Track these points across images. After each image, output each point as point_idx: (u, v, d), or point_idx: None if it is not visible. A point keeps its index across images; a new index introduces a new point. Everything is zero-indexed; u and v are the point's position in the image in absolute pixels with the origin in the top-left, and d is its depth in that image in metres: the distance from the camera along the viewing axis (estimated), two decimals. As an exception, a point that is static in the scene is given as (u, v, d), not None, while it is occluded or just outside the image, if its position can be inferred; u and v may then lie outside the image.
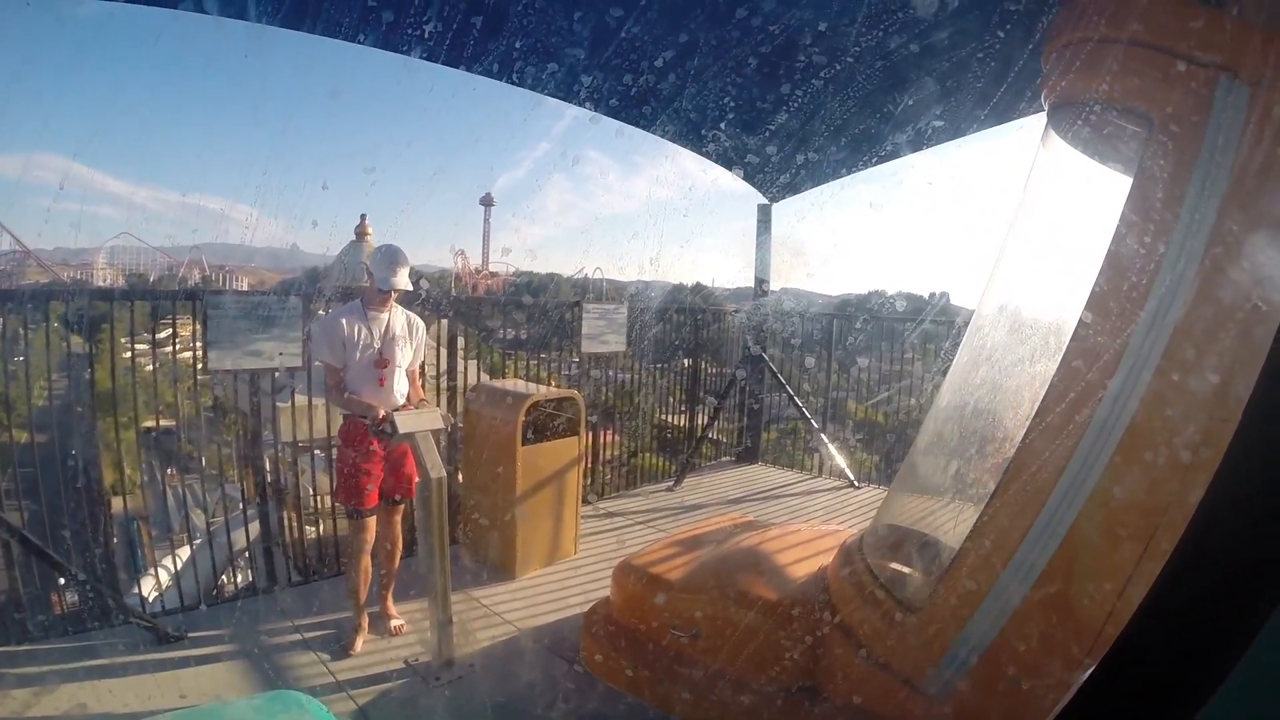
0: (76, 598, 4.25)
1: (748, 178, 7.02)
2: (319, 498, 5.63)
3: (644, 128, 5.68)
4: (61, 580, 4.11)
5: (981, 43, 4.05)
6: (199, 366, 4.58)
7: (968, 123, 5.09)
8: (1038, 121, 2.92)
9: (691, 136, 5.93)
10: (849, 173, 6.47)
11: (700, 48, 4.72)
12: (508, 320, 6.89)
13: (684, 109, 5.41)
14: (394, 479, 3.93)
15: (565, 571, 4.92)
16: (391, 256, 3.80)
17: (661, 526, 5.72)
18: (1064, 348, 2.30)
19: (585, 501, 6.00)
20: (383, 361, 3.85)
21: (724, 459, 8.00)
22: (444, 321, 5.42)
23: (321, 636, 4.06)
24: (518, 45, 4.60)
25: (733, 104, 5.41)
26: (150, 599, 6.79)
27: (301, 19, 4.23)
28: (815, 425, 7.37)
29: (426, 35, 4.35)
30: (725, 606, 3.08)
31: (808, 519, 6.05)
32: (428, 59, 4.67)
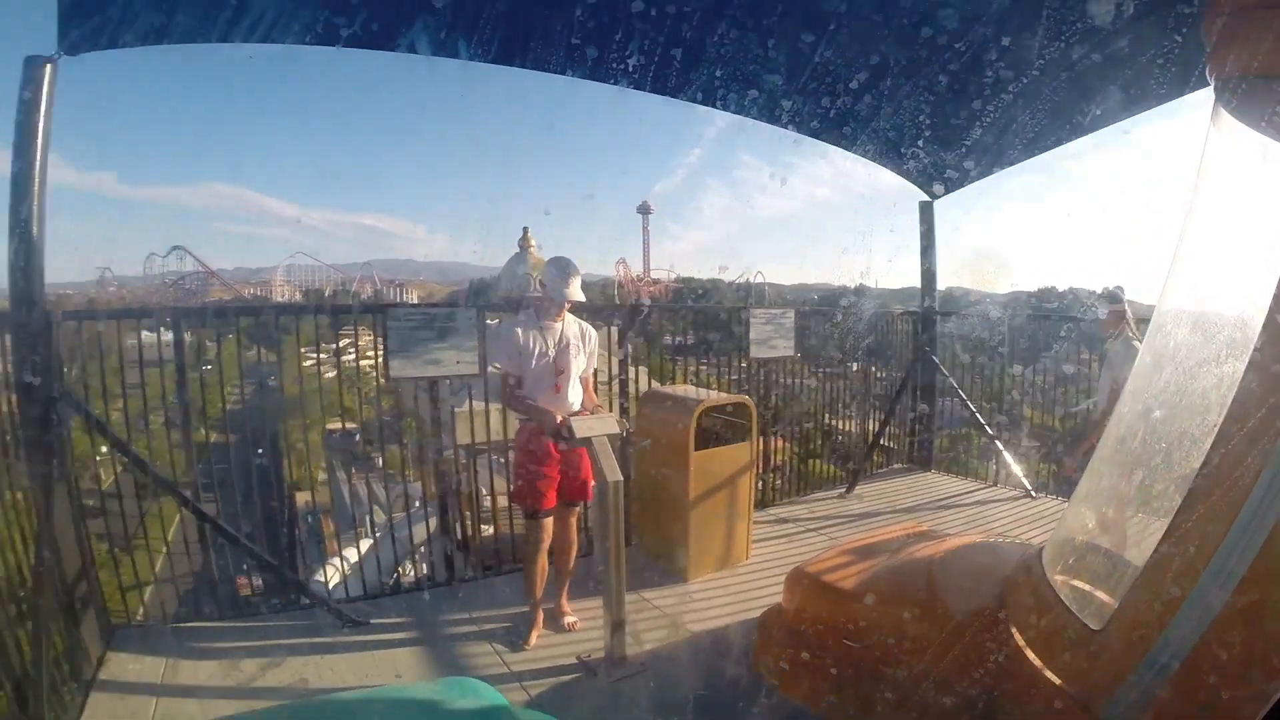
0: (260, 581, 4.57)
1: (907, 174, 6.73)
2: (493, 497, 5.83)
3: (799, 129, 5.57)
4: (245, 565, 4.45)
5: (1139, 18, 3.78)
6: (376, 373, 4.85)
7: (1132, 106, 4.78)
8: (1205, 99, 2.61)
9: (848, 136, 5.76)
10: (1011, 164, 6.14)
11: (848, 44, 4.57)
12: (673, 326, 6.92)
13: (841, 109, 5.26)
14: (570, 482, 4.00)
15: (737, 576, 4.84)
16: (565, 268, 3.88)
17: (833, 534, 5.56)
18: (1252, 344, 2.03)
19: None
20: (558, 369, 3.93)
21: (896, 466, 7.72)
22: (612, 328, 5.51)
23: (497, 629, 4.17)
24: (678, 53, 4.62)
25: (890, 100, 5.21)
26: (331, 586, 7.30)
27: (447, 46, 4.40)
28: (990, 431, 6.98)
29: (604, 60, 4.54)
30: (898, 617, 2.94)
31: (983, 529, 5.81)
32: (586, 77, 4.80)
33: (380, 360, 4.70)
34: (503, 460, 5.60)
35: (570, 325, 4.02)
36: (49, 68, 3.42)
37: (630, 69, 4.64)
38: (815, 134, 5.76)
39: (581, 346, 4.05)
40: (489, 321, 4.73)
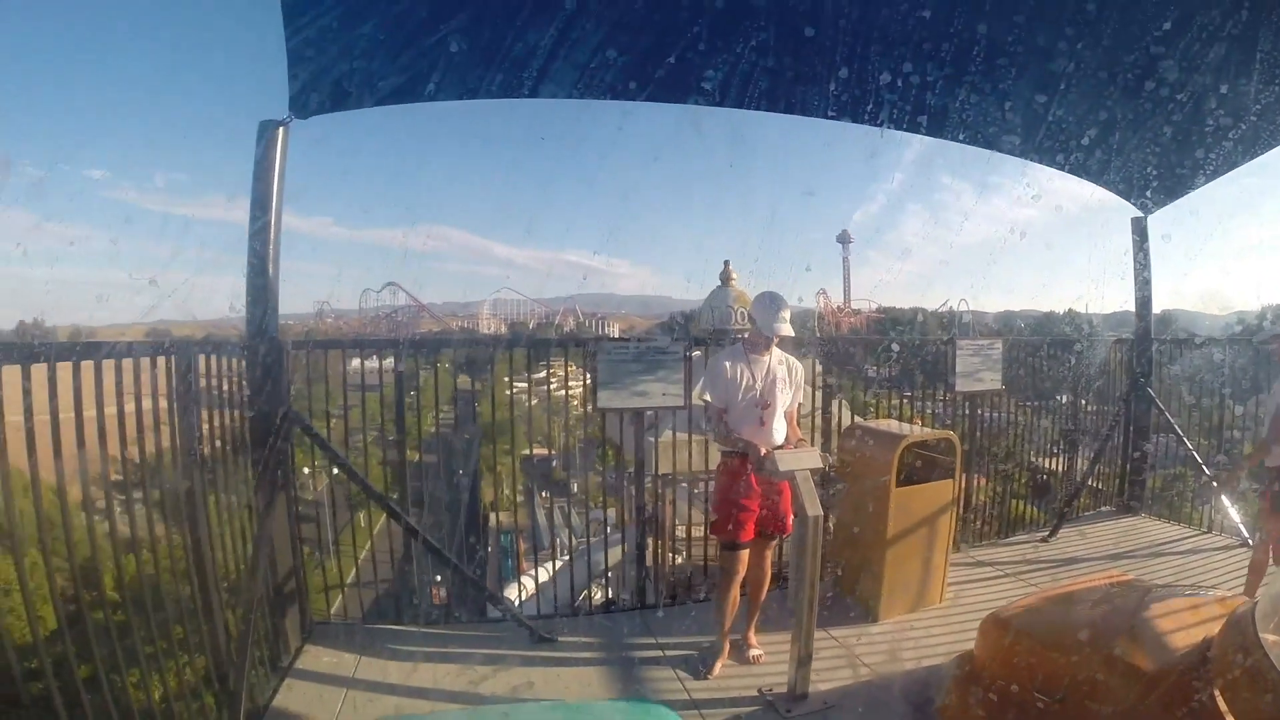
0: (453, 592, 4.90)
1: (1116, 189, 6.18)
2: (684, 527, 5.94)
3: (998, 148, 5.29)
4: (439, 576, 4.80)
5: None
6: (573, 402, 5.11)
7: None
8: None
9: (1051, 151, 5.39)
10: (1230, 169, 5.46)
11: (1047, 55, 4.31)
12: (874, 359, 6.76)
13: (1043, 122, 4.95)
14: (770, 515, 3.98)
15: (929, 619, 4.63)
16: (774, 303, 3.92)
17: (1033, 580, 5.20)
18: None
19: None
20: (764, 403, 3.96)
21: (1103, 509, 7.05)
22: (814, 361, 5.49)
23: (681, 656, 4.19)
24: (861, 84, 4.59)
25: (1093, 110, 4.84)
26: (520, 602, 7.69)
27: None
28: (1207, 473, 6.20)
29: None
30: (1095, 671, 2.73)
31: (1194, 581, 5.25)
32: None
33: (581, 390, 4.93)
34: (697, 490, 5.70)
35: (777, 359, 4.05)
36: (281, 130, 3.95)
37: (831, 99, 4.73)
38: (1017, 151, 5.45)
39: (788, 380, 4.07)
40: (694, 354, 4.86)
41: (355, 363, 5.16)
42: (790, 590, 3.72)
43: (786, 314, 3.91)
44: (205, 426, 3.50)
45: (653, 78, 4.50)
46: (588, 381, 4.98)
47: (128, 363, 2.87)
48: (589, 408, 5.01)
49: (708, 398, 4.01)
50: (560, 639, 4.37)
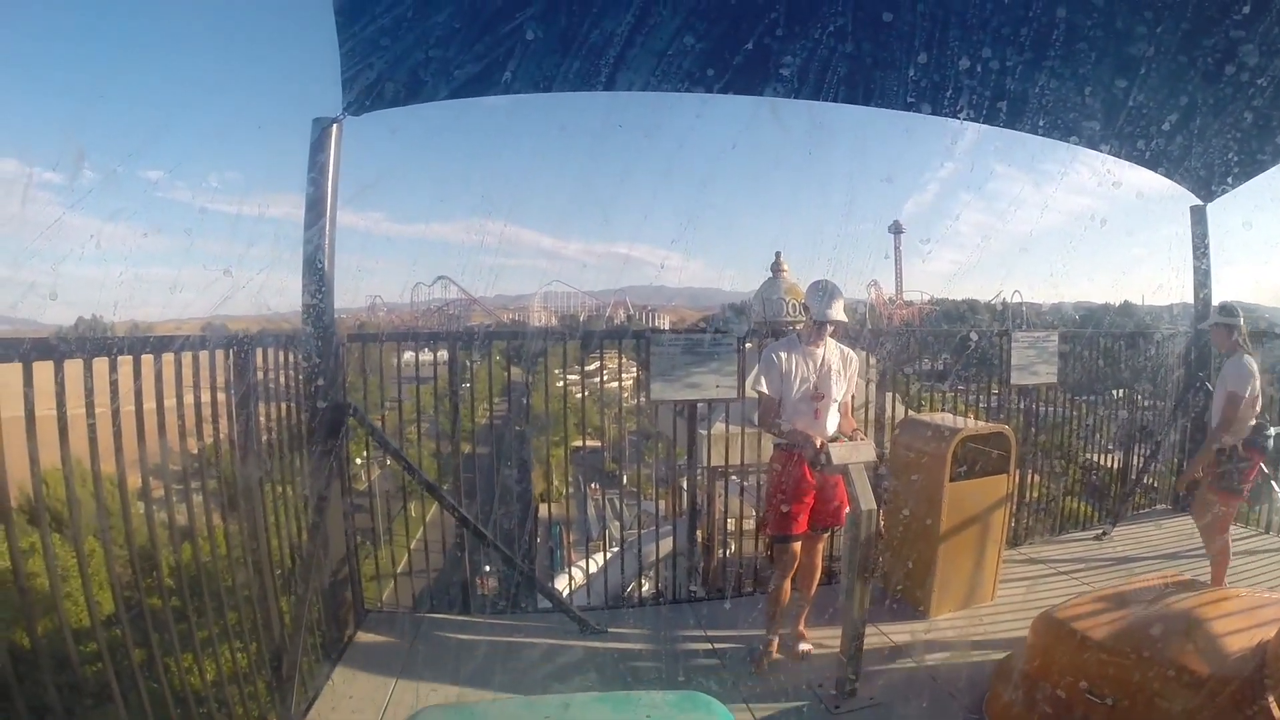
0: (504, 582, 4.95)
1: (1174, 176, 5.93)
2: (734, 520, 5.94)
3: (1049, 134, 5.12)
4: (489, 567, 4.87)
5: None
6: (624, 395, 5.12)
7: None
8: None
9: (1110, 139, 5.20)
10: None
11: (1110, 41, 4.17)
12: (927, 351, 6.64)
13: (1103, 109, 4.78)
14: (823, 508, 3.95)
15: (980, 616, 4.56)
16: (827, 290, 3.86)
17: (1087, 579, 5.06)
18: None
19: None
20: (818, 395, 3.91)
21: (1160, 507, 6.84)
22: (866, 354, 5.43)
23: (729, 649, 4.21)
24: (915, 71, 4.51)
25: (1154, 97, 4.66)
26: (567, 593, 7.77)
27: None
28: (1267, 471, 5.95)
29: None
30: (1147, 674, 2.68)
31: (1253, 582, 5.13)
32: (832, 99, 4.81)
33: (631, 382, 4.94)
34: (746, 484, 5.68)
35: (832, 350, 4.00)
36: (335, 127, 4.02)
37: (907, 87, 4.67)
38: (1078, 139, 5.28)
39: (843, 371, 4.02)
40: (748, 345, 4.84)
41: (408, 355, 5.25)
42: (842, 585, 3.69)
43: (840, 301, 3.86)
44: (262, 418, 3.59)
45: (726, 68, 4.46)
46: (638, 374, 4.99)
47: (187, 356, 2.95)
48: (640, 399, 5.01)
49: (762, 388, 3.96)
50: (609, 630, 4.40)
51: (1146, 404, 6.89)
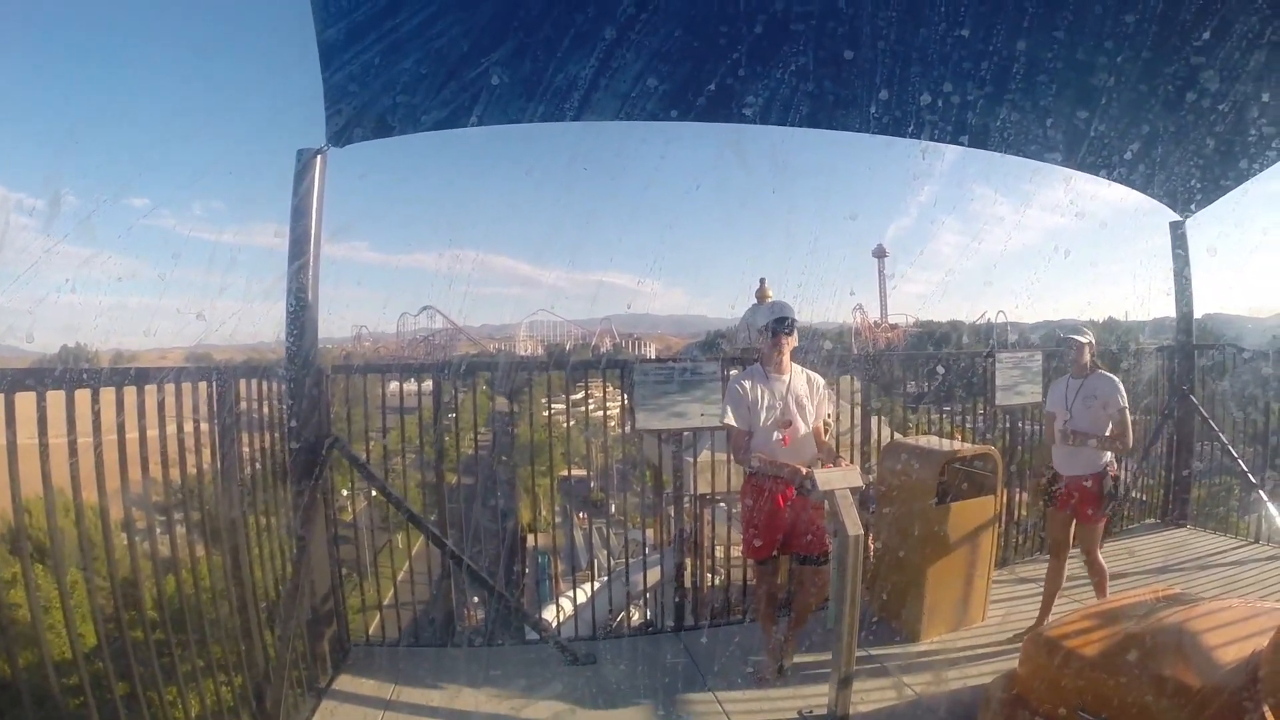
0: (490, 614, 4.90)
1: (1151, 192, 6.04)
2: (722, 548, 5.91)
3: (1034, 157, 5.21)
4: (476, 598, 4.82)
5: None
6: (611, 423, 5.11)
7: None
8: None
9: (1087, 158, 5.30)
10: (1266, 168, 5.36)
11: (1083, 61, 4.27)
12: (912, 374, 6.67)
13: (1078, 129, 4.88)
14: (808, 536, 3.91)
15: (971, 638, 4.54)
16: (774, 305, 3.94)
17: (1078, 596, 5.05)
18: None
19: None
20: (784, 422, 3.91)
21: (1147, 521, 6.86)
22: (851, 378, 5.45)
23: (718, 677, 4.16)
24: (889, 96, 4.59)
25: (1128, 115, 4.76)
26: (556, 624, 7.68)
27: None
28: (1253, 481, 6.00)
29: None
30: (1141, 690, 2.66)
31: (1242, 593, 5.10)
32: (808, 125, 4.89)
33: (617, 411, 4.93)
34: (735, 510, 5.67)
35: (798, 375, 4.01)
36: (318, 158, 4.04)
37: (872, 119, 4.77)
38: (1054, 159, 5.37)
39: (810, 396, 4.02)
40: (732, 372, 4.86)
41: (394, 386, 5.23)
42: (830, 611, 3.68)
43: (789, 307, 3.93)
44: (246, 449, 3.57)
45: (693, 101, 4.55)
46: (625, 402, 4.98)
47: (170, 386, 2.94)
48: (627, 428, 5.00)
49: (729, 421, 3.96)
50: (597, 661, 4.36)
51: (1132, 419, 6.95)
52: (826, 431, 4.27)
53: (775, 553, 4.01)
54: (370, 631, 4.87)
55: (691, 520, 5.13)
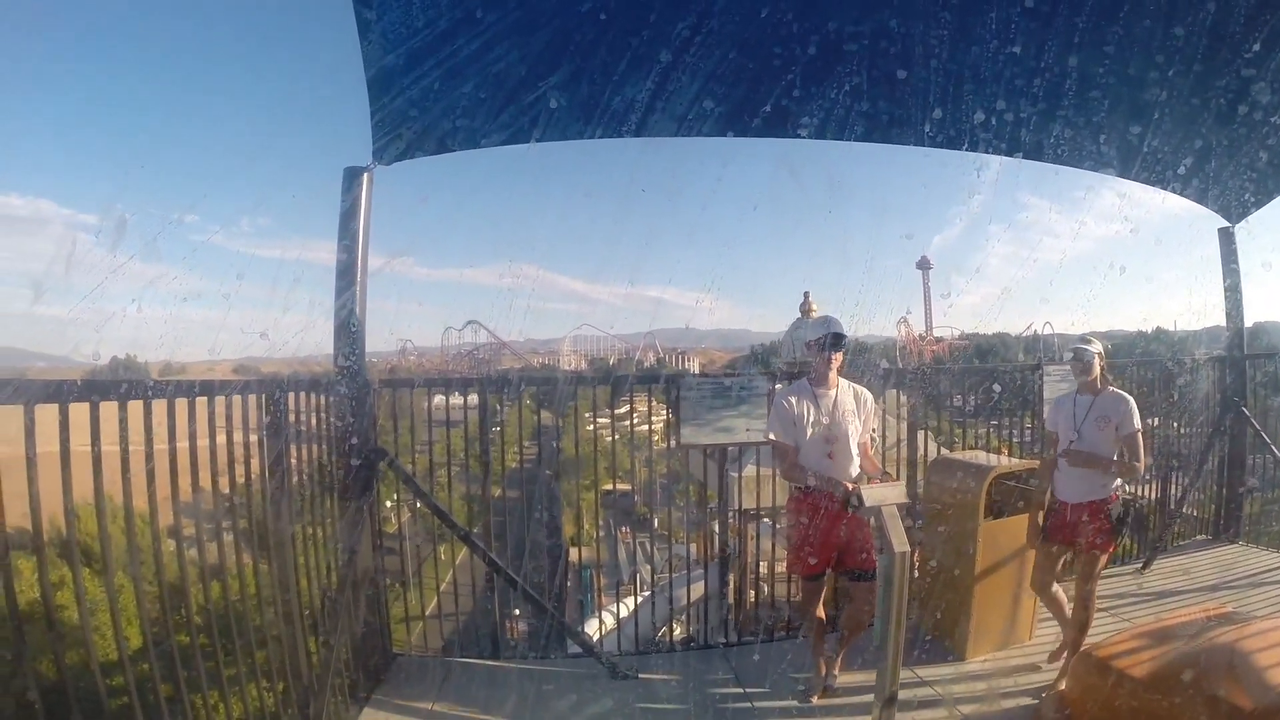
0: (533, 627, 4.92)
1: (1200, 199, 5.89)
2: (767, 563, 5.86)
3: (1076, 164, 5.11)
4: (517, 611, 4.84)
5: None
6: (655, 438, 5.11)
7: None
8: None
9: (1135, 165, 5.16)
10: None
11: (1132, 68, 4.18)
12: (959, 388, 6.55)
13: (1127, 137, 4.77)
14: (855, 551, 3.86)
15: (1018, 657, 4.43)
16: (824, 320, 3.90)
17: (1128, 614, 4.91)
18: None
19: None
20: (831, 437, 3.86)
21: (1199, 537, 6.64)
22: (898, 393, 5.39)
23: (761, 693, 4.14)
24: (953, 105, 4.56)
25: (1171, 118, 4.63)
26: (597, 638, 7.69)
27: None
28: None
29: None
30: (1193, 711, 2.60)
31: None
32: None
33: (662, 425, 4.94)
34: (780, 526, 5.65)
35: (844, 390, 3.96)
36: (366, 176, 4.14)
37: (925, 135, 4.73)
38: (1102, 167, 5.25)
39: (857, 411, 3.96)
40: (777, 386, 4.84)
41: (439, 399, 5.31)
42: (875, 629, 3.63)
43: (839, 323, 3.87)
44: (294, 461, 3.64)
45: (748, 121, 4.59)
46: (668, 417, 4.98)
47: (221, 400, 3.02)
48: (671, 443, 5.00)
49: (775, 437, 3.93)
50: (640, 675, 4.33)
51: (1183, 432, 6.72)
52: (872, 446, 4.21)
53: (824, 570, 3.95)
54: (414, 640, 4.93)
55: (736, 535, 5.10)
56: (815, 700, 3.96)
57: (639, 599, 8.01)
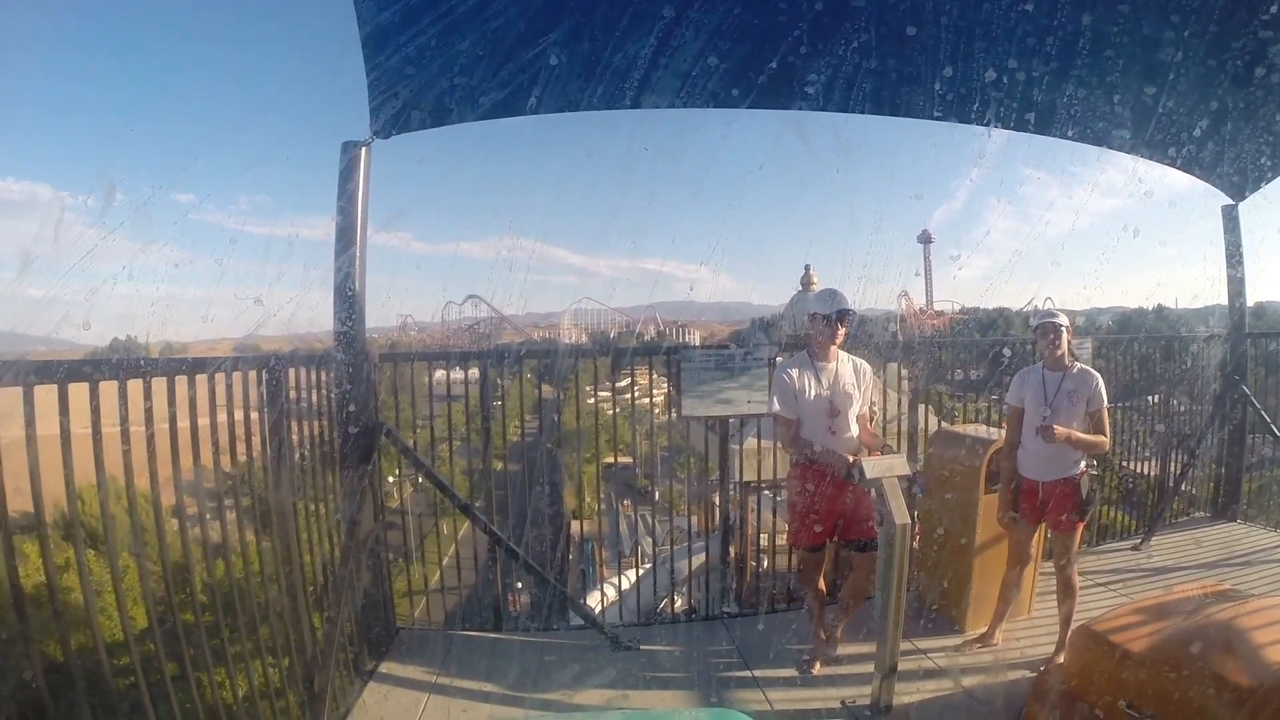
0: (535, 599, 4.94)
1: (1203, 175, 5.80)
2: (767, 536, 5.89)
3: (1077, 139, 5.03)
4: (519, 584, 4.87)
5: None
6: (656, 411, 5.09)
7: None
8: None
9: (1133, 139, 5.08)
10: None
11: (1137, 41, 4.11)
12: (959, 361, 6.52)
13: (1121, 110, 4.70)
14: (862, 522, 3.84)
15: (1017, 630, 4.42)
16: (830, 292, 3.88)
17: (1125, 591, 4.93)
18: None
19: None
20: (833, 410, 3.88)
21: (1197, 515, 6.66)
22: (898, 366, 5.38)
23: (762, 664, 4.16)
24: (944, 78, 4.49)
25: (1175, 93, 4.55)
26: (599, 610, 7.74)
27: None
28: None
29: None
30: (1190, 687, 2.60)
31: None
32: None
33: (662, 399, 4.91)
34: (780, 498, 5.66)
35: (844, 363, 3.98)
36: (363, 151, 4.08)
37: (911, 99, 4.69)
38: (1106, 141, 5.18)
39: (857, 384, 3.98)
40: (778, 360, 4.83)
41: (440, 374, 5.29)
42: (876, 601, 3.65)
43: (840, 302, 3.85)
44: (295, 436, 3.64)
45: (751, 84, 4.47)
46: (669, 390, 4.98)
47: (221, 376, 3.00)
48: (671, 414, 4.99)
49: (776, 410, 3.95)
50: (641, 647, 4.36)
51: (1182, 410, 6.71)
52: (872, 419, 4.22)
53: (824, 541, 3.98)
54: (417, 615, 4.95)
55: (737, 507, 5.12)
56: (816, 670, 3.98)
57: (640, 571, 8.08)
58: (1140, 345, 6.62)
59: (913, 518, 3.94)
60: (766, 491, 5.66)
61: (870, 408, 4.15)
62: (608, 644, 4.34)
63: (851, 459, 3.61)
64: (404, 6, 3.79)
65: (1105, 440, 3.94)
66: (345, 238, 4.04)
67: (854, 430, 3.95)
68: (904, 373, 5.51)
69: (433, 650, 4.28)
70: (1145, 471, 6.66)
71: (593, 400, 5.64)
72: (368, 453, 4.02)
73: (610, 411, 5.51)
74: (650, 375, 5.50)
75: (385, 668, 4.07)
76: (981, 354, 6.20)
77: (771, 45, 4.26)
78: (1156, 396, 6.58)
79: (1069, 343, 3.97)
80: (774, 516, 5.79)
